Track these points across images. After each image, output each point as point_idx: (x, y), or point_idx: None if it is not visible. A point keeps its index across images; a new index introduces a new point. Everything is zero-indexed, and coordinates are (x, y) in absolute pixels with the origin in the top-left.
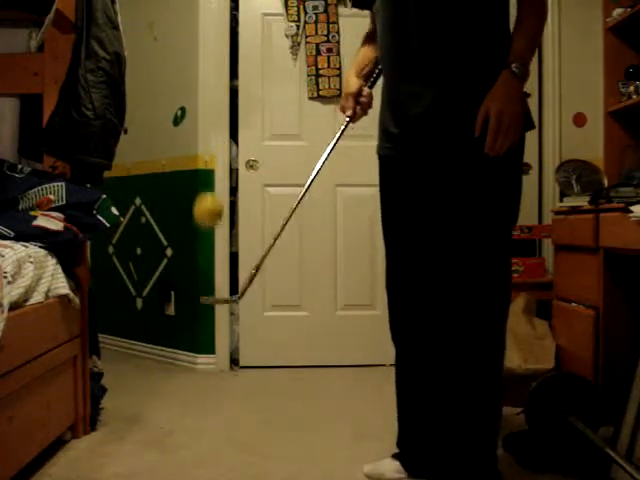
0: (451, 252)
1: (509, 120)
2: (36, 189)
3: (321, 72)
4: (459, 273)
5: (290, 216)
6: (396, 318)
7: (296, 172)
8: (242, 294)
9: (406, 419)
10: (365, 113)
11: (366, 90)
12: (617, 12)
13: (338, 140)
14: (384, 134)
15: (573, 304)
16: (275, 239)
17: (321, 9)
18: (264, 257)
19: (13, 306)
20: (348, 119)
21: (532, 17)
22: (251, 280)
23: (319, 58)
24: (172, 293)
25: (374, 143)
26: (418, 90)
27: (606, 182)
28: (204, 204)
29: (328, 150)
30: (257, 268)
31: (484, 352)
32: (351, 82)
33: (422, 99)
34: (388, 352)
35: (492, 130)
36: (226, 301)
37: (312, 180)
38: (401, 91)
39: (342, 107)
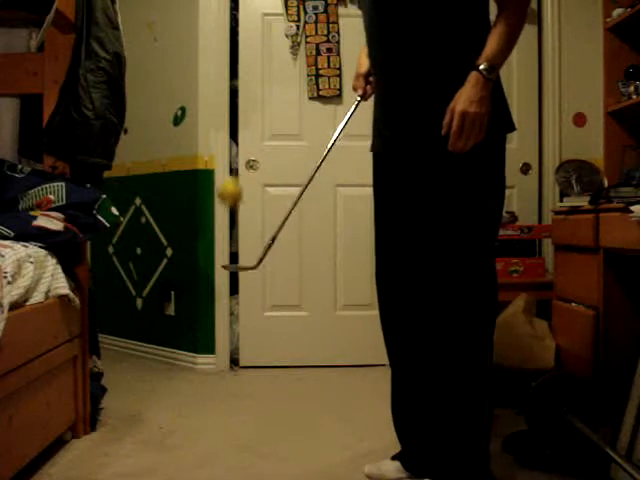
0: (431, 249)
1: (471, 121)
2: (36, 189)
3: (321, 72)
4: (440, 269)
5: (308, 184)
6: (384, 314)
7: (296, 172)
8: (259, 262)
9: (399, 417)
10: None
11: None
12: (617, 12)
13: (351, 117)
14: (375, 132)
15: (573, 304)
16: (289, 212)
17: (321, 9)
18: (280, 227)
19: (13, 306)
20: (359, 98)
21: (508, 20)
22: (267, 250)
23: (319, 58)
24: (172, 293)
25: None
26: (400, 91)
27: (606, 182)
28: (226, 188)
29: (340, 127)
30: (273, 239)
31: (467, 349)
32: (362, 62)
33: (404, 100)
34: None
35: (454, 131)
36: (244, 268)
37: (325, 156)
38: (385, 92)
39: (354, 86)
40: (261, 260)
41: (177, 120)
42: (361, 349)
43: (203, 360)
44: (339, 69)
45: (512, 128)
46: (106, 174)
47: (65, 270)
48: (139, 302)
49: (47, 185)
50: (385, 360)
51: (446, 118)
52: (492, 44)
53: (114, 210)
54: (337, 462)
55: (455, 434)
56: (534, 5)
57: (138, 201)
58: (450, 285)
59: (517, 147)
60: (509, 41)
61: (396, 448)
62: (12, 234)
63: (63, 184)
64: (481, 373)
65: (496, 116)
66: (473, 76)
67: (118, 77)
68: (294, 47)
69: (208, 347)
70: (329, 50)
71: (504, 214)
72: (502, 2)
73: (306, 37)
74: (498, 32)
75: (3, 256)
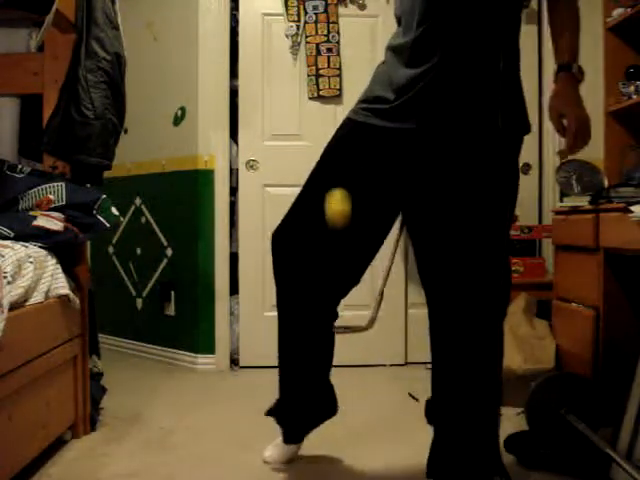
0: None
1: (587, 126)
2: (36, 189)
3: (321, 72)
4: (460, 266)
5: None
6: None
7: (296, 172)
8: (372, 322)
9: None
10: None
11: None
12: (617, 12)
13: None
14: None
15: (573, 304)
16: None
17: (321, 9)
18: (385, 280)
19: (13, 306)
20: None
21: (574, 6)
22: (378, 306)
23: (319, 58)
24: (172, 293)
25: None
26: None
27: (606, 182)
28: (335, 206)
29: None
30: (381, 293)
31: (480, 344)
32: None
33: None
34: (388, 352)
35: (573, 133)
36: (356, 330)
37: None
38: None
39: None
40: (373, 321)
41: (177, 120)
42: (361, 349)
43: (203, 360)
44: (339, 69)
45: (529, 129)
46: (106, 174)
47: (65, 270)
48: (139, 302)
49: (47, 185)
50: (385, 360)
51: (555, 123)
52: (572, 40)
53: (114, 210)
54: (336, 461)
55: (472, 433)
56: (534, 5)
57: (138, 201)
58: (467, 281)
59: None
60: (579, 33)
61: (395, 447)
62: (12, 234)
63: (63, 184)
64: (494, 369)
65: (524, 116)
66: (569, 77)
67: (118, 77)
68: (294, 47)
69: (208, 347)
70: (329, 50)
71: None
72: None
73: (306, 37)
74: (571, 26)
75: (3, 256)
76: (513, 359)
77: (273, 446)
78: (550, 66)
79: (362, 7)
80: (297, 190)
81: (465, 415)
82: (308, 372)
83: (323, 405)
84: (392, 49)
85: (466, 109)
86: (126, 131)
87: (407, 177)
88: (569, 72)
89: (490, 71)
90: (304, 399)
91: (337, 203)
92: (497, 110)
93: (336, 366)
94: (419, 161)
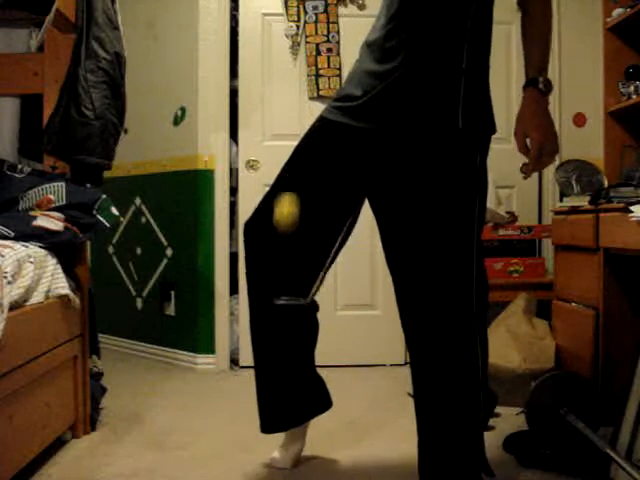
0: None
1: (551, 147)
2: (36, 189)
3: (321, 72)
4: (423, 265)
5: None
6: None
7: None
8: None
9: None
10: None
11: None
12: (617, 12)
13: None
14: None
15: (573, 304)
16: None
17: (321, 9)
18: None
19: (13, 306)
20: None
21: (545, 20)
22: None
23: (319, 58)
24: (172, 293)
25: None
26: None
27: (606, 182)
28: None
29: None
30: (321, 280)
31: (447, 340)
32: None
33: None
34: (388, 352)
35: (534, 157)
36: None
37: None
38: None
39: None
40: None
41: (177, 120)
42: (361, 349)
43: (203, 360)
44: (339, 69)
45: (494, 130)
46: (106, 174)
47: (65, 270)
48: (139, 302)
49: (47, 185)
50: (385, 360)
51: (519, 143)
52: (539, 53)
53: (114, 210)
54: (336, 461)
55: (451, 431)
56: None
57: (138, 201)
58: (435, 281)
59: (516, 147)
60: (550, 45)
61: (394, 447)
62: (12, 234)
63: (63, 184)
64: (474, 369)
65: (489, 116)
66: (534, 93)
67: (118, 77)
68: (294, 47)
69: (208, 347)
70: (329, 50)
71: (504, 214)
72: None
73: (306, 37)
74: (539, 38)
75: (3, 256)
76: (513, 359)
77: (278, 450)
78: (550, 66)
79: (362, 7)
80: None
81: (441, 415)
82: (290, 364)
83: (311, 398)
84: (367, 44)
85: (425, 109)
86: (126, 131)
87: (371, 176)
88: (536, 87)
89: (452, 70)
90: (287, 393)
91: (286, 206)
92: (457, 110)
93: (336, 366)
94: (381, 161)
